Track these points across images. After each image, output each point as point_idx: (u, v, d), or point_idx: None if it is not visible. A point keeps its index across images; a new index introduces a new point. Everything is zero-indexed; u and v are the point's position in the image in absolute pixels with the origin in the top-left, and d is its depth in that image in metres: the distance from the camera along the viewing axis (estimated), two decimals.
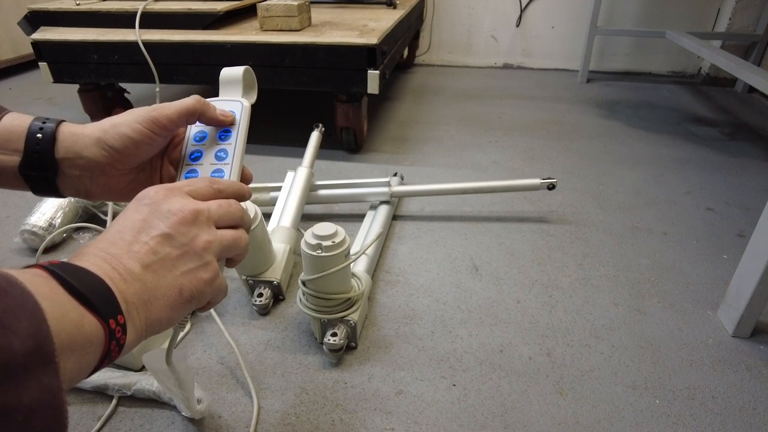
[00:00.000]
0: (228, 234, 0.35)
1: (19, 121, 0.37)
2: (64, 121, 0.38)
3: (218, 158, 0.40)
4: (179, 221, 0.31)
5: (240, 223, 0.36)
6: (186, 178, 0.40)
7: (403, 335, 0.72)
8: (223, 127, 0.41)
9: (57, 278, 0.25)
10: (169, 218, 0.31)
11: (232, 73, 0.44)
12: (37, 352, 0.22)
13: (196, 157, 0.41)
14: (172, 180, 0.42)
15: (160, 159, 0.43)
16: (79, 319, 0.24)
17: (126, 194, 0.41)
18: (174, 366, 0.46)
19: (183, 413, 0.58)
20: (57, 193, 0.38)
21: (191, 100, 0.39)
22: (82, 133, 0.37)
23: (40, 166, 0.36)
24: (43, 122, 0.37)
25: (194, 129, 0.42)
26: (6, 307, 0.21)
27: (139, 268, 0.29)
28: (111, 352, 0.26)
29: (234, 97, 0.44)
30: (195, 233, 0.32)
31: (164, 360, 0.44)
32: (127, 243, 0.30)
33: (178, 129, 0.41)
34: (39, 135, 0.36)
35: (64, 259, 0.28)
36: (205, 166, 0.40)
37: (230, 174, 0.40)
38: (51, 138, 0.36)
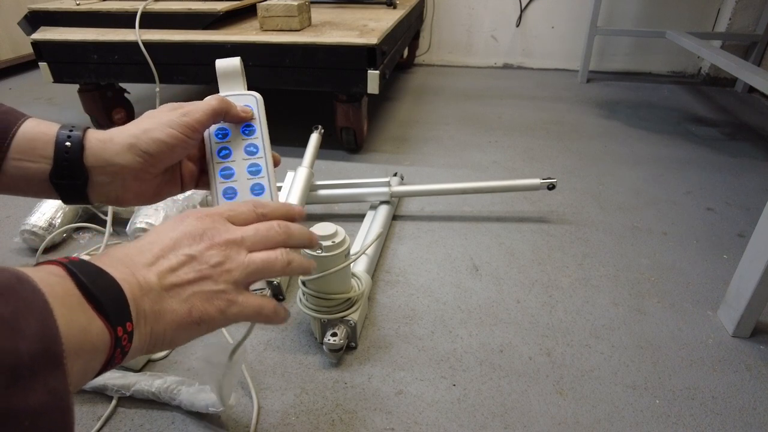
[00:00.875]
0: (257, 258, 0.33)
1: (44, 129, 0.37)
2: (89, 128, 0.38)
3: (249, 153, 0.41)
4: (208, 247, 0.32)
5: (281, 244, 0.35)
6: (221, 176, 0.40)
7: (403, 335, 0.72)
8: (244, 122, 0.42)
9: (73, 278, 0.25)
10: (200, 243, 0.32)
11: (229, 64, 0.44)
12: (45, 354, 0.21)
13: (225, 154, 0.41)
14: (193, 176, 0.44)
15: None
16: (88, 324, 0.25)
17: (155, 197, 0.42)
18: (234, 361, 0.46)
19: (211, 410, 0.57)
20: (86, 201, 0.39)
21: (215, 101, 0.40)
22: (111, 140, 0.37)
23: (69, 174, 0.37)
24: (70, 130, 0.37)
25: (213, 126, 0.42)
26: (14, 308, 0.21)
27: (157, 281, 0.30)
28: (114, 359, 0.27)
29: (236, 88, 0.44)
30: (219, 260, 0.32)
31: (227, 354, 0.43)
32: (154, 256, 0.31)
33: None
34: (68, 143, 0.36)
35: (87, 256, 0.28)
36: (239, 162, 0.41)
37: (267, 166, 0.41)
38: (79, 146, 0.36)
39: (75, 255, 0.28)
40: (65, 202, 0.39)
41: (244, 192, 0.40)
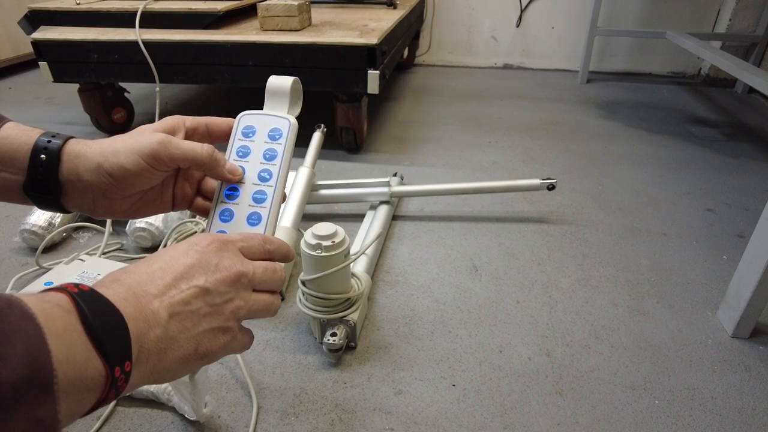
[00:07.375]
0: (260, 299, 0.34)
1: (25, 138, 0.35)
2: (72, 137, 0.36)
3: (262, 179, 0.39)
4: (222, 280, 0.31)
5: (278, 289, 0.36)
6: (221, 219, 0.38)
7: (402, 335, 0.72)
8: (230, 183, 0.39)
9: (78, 311, 0.24)
10: (214, 273, 0.31)
11: (279, 83, 0.41)
12: (31, 382, 0.20)
13: (233, 188, 0.39)
14: (186, 198, 0.41)
15: (173, 177, 0.41)
16: (84, 363, 0.23)
17: (131, 213, 0.40)
18: (195, 379, 0.47)
19: (188, 416, 0.58)
20: (62, 209, 0.37)
21: (204, 153, 0.37)
22: (85, 155, 0.35)
23: (42, 188, 0.35)
24: (48, 141, 0.35)
25: (237, 144, 0.40)
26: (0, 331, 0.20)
27: (167, 315, 0.29)
28: (107, 399, 0.25)
29: (280, 110, 0.41)
30: (231, 296, 0.32)
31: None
32: (166, 285, 0.30)
33: (181, 168, 0.39)
34: (42, 156, 0.35)
35: (101, 276, 0.27)
36: (247, 185, 0.38)
37: (267, 218, 0.38)
38: (55, 159, 0.35)
39: (85, 284, 0.27)
40: (41, 209, 0.38)
41: (240, 219, 0.38)
